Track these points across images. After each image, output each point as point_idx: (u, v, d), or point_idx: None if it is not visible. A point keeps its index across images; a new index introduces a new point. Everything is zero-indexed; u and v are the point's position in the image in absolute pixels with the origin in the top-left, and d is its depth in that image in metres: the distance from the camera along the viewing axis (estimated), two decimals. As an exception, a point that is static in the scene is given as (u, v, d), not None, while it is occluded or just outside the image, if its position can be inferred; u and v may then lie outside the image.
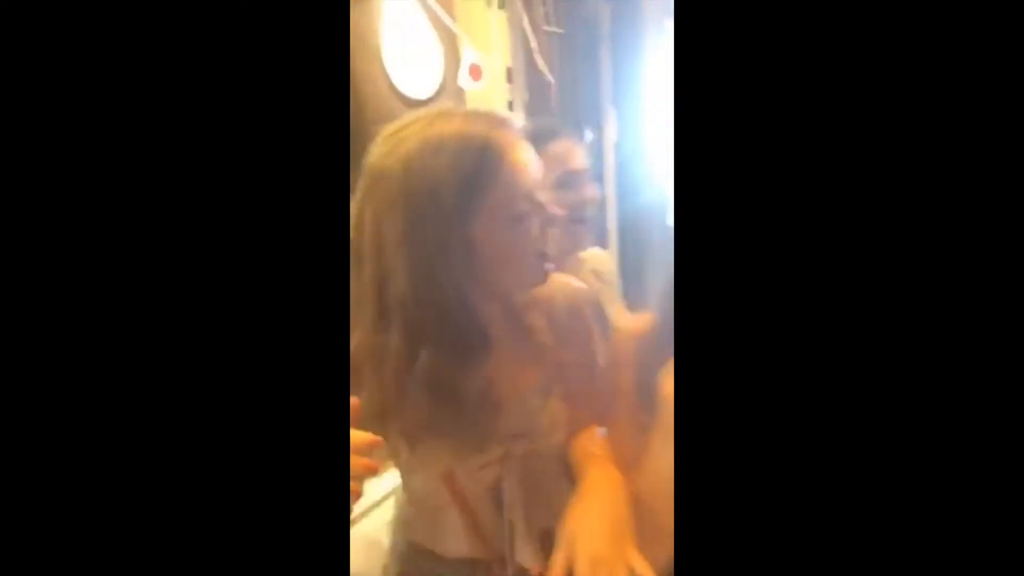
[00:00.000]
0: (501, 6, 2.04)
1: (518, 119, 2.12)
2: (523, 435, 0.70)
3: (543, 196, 0.66)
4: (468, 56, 2.03)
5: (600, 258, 1.28)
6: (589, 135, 2.38)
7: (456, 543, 0.74)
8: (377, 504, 1.39)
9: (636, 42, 2.30)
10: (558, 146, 1.09)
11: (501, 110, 2.02)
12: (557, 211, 0.67)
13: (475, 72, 2.06)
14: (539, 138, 1.05)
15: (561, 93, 2.22)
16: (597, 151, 2.40)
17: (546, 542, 0.65)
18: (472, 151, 0.61)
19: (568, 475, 0.72)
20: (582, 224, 1.11)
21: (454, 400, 0.63)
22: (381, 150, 0.64)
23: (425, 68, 1.98)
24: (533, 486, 0.73)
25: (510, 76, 2.11)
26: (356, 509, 1.35)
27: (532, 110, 2.16)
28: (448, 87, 2.05)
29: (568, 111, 2.27)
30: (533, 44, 2.05)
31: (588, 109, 2.33)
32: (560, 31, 2.21)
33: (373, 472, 0.54)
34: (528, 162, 0.65)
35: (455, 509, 0.72)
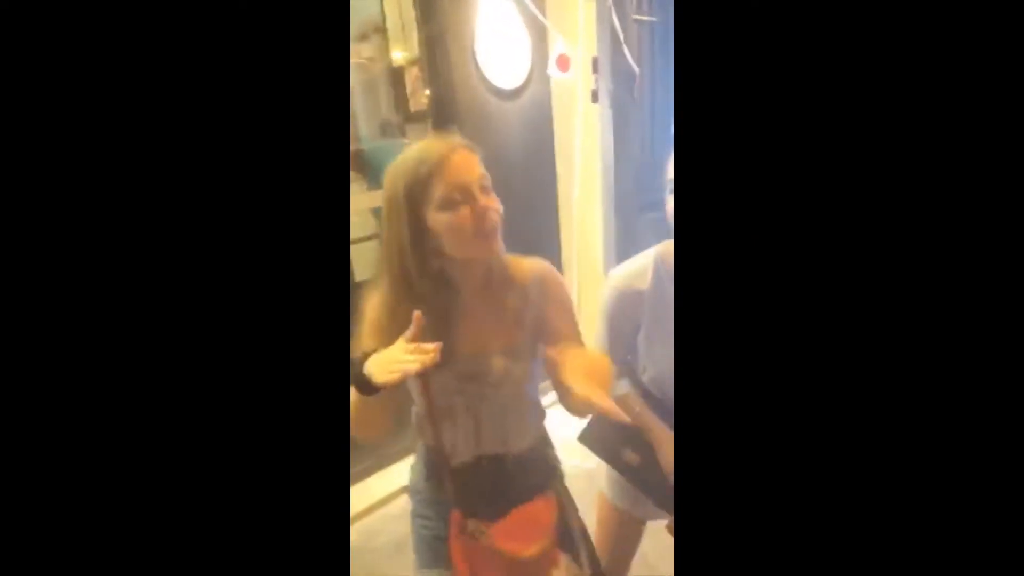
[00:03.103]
0: (591, -2, 2.07)
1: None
2: (475, 380, 0.87)
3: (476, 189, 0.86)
4: (556, 47, 2.10)
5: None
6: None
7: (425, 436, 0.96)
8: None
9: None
10: None
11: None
12: (486, 202, 0.86)
13: (562, 63, 2.13)
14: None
15: (647, 82, 2.21)
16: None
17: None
18: (423, 158, 0.82)
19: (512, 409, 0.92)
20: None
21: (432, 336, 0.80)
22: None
23: (515, 59, 2.08)
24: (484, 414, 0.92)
25: (595, 66, 2.14)
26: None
27: (616, 99, 2.18)
28: (536, 77, 2.14)
29: (653, 100, 2.25)
30: (620, 35, 2.06)
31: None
32: (652, 19, 2.19)
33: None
34: (461, 164, 0.78)
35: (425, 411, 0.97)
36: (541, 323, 0.90)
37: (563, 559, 0.93)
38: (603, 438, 1.11)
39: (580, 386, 0.69)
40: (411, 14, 1.98)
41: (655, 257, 1.02)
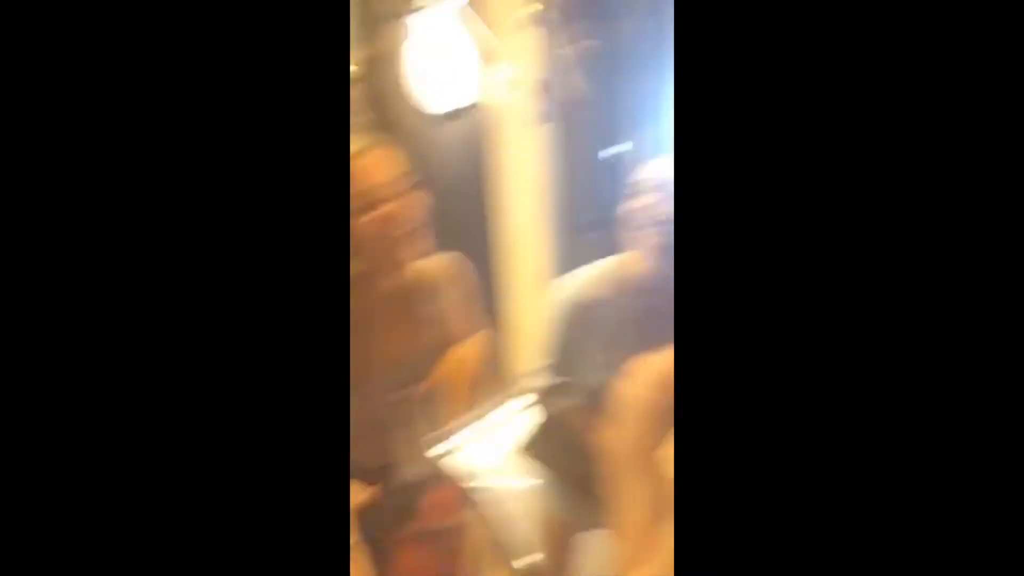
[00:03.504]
0: (537, 22, 2.11)
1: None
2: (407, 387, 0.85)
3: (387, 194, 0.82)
4: (502, 69, 2.13)
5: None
6: (627, 145, 2.39)
7: None
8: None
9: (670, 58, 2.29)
10: None
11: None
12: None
13: (508, 85, 2.16)
14: None
15: (597, 105, 2.26)
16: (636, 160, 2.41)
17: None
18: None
19: None
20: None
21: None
22: None
23: (460, 80, 2.10)
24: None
25: (541, 88, 2.18)
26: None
27: (561, 121, 2.22)
28: (481, 98, 2.16)
29: (603, 123, 2.31)
30: (566, 59, 2.11)
31: (624, 122, 2.35)
32: (598, 45, 2.25)
33: None
34: (371, 165, 0.78)
35: None
36: (453, 320, 0.91)
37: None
38: (547, 448, 1.11)
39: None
40: (352, 33, 1.98)
41: (613, 265, 1.03)
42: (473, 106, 2.13)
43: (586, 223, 2.46)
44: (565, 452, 1.08)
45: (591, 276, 1.05)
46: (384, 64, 1.94)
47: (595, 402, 1.05)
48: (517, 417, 2.18)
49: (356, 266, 0.80)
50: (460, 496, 0.99)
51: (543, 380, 1.07)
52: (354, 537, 0.75)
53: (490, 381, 0.87)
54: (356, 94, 1.91)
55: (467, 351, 0.83)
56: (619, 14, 2.25)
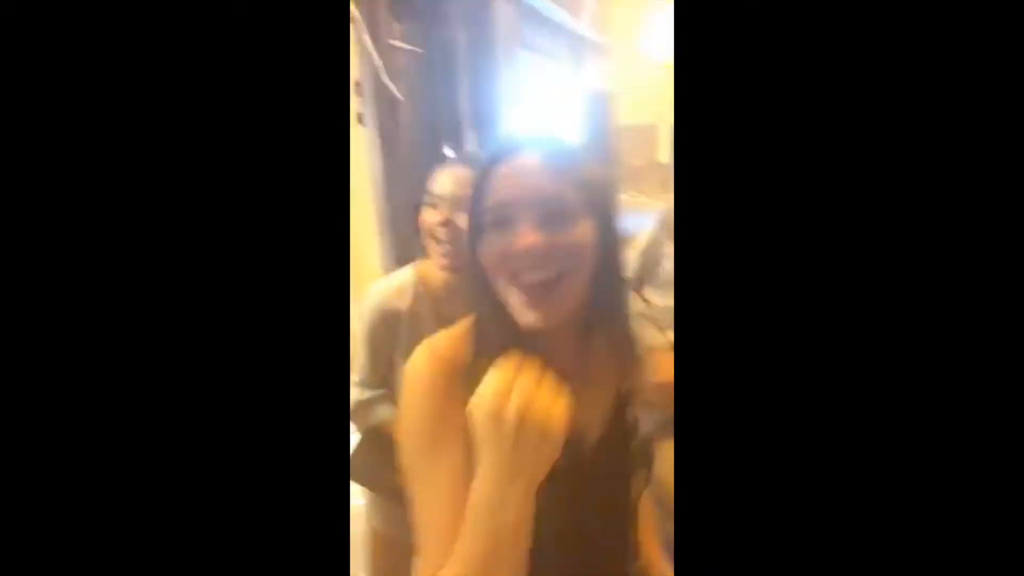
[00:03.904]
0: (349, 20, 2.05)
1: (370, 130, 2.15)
2: None
3: None
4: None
5: None
6: (449, 152, 2.42)
7: None
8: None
9: (492, 65, 2.36)
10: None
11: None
12: None
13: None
14: None
15: (416, 110, 2.26)
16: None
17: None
18: None
19: None
20: None
21: None
22: None
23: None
24: None
25: (359, 89, 2.13)
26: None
27: (381, 123, 2.20)
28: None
29: (422, 127, 2.31)
30: (377, 61, 2.07)
31: (446, 126, 2.38)
32: (417, 50, 2.25)
33: None
34: None
35: None
36: None
37: None
38: (365, 466, 1.09)
39: None
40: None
41: (414, 275, 1.02)
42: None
43: (412, 226, 2.46)
44: (386, 467, 1.06)
45: (392, 285, 1.04)
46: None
47: None
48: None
49: None
50: None
51: (355, 395, 1.04)
52: None
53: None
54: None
55: None
56: (433, 21, 2.26)
